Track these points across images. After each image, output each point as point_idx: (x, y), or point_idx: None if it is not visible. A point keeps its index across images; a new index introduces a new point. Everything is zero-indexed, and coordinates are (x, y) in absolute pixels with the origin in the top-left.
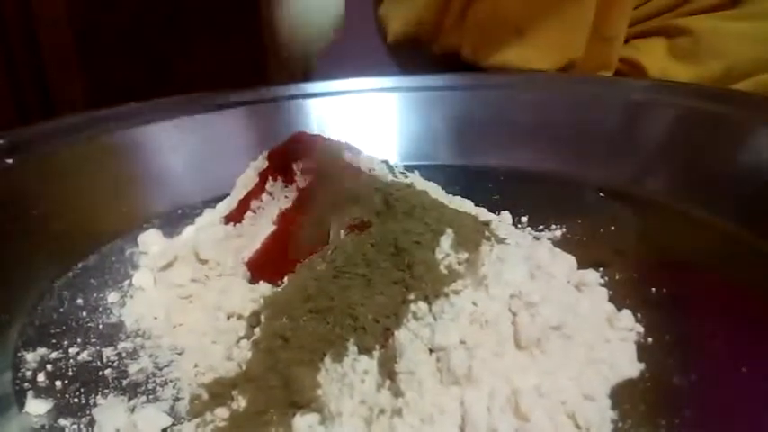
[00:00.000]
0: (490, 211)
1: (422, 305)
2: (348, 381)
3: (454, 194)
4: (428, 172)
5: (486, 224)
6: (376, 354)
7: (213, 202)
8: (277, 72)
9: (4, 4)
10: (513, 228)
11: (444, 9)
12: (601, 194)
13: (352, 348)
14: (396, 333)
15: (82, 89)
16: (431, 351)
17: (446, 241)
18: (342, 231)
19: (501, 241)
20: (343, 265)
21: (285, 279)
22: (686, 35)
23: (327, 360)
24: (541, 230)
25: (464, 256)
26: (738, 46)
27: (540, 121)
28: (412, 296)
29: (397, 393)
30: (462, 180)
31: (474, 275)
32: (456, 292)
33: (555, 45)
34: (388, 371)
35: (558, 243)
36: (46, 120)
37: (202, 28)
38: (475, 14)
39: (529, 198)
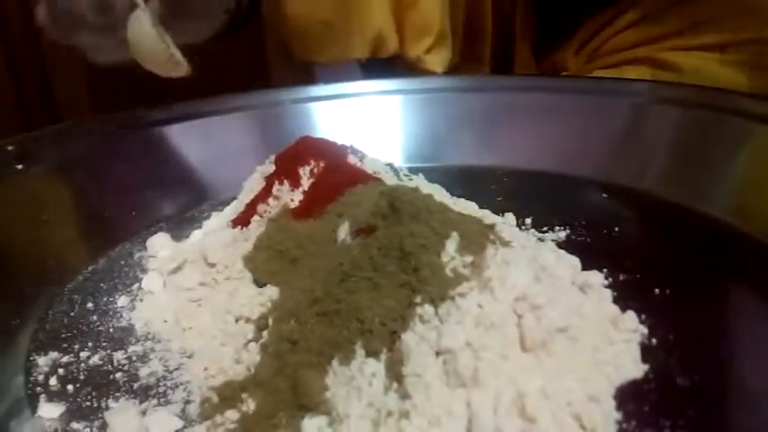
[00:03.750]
0: (494, 212)
1: (428, 308)
2: (356, 384)
3: (458, 196)
4: (432, 174)
5: (491, 227)
6: (383, 357)
7: (220, 205)
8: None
9: (5, 7)
10: (518, 229)
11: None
12: (604, 195)
13: (360, 351)
14: (402, 336)
15: (86, 92)
16: (437, 354)
17: (451, 245)
18: (348, 235)
19: (506, 244)
20: (350, 269)
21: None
22: (673, 71)
23: (335, 363)
24: (545, 232)
25: (469, 259)
26: None
27: (544, 122)
28: (418, 299)
29: (405, 396)
30: (466, 181)
31: (479, 278)
32: (462, 295)
33: (359, 26)
34: (395, 373)
35: (562, 244)
36: (52, 124)
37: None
38: (292, 19)
39: (533, 199)
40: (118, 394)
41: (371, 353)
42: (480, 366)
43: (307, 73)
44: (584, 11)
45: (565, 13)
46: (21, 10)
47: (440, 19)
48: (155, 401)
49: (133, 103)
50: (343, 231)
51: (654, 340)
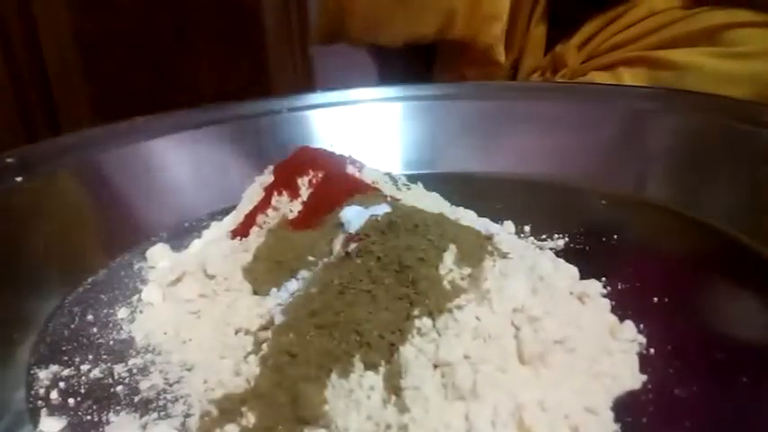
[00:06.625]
0: (493, 220)
1: (426, 321)
2: (355, 397)
3: (457, 204)
4: (431, 181)
5: (489, 238)
6: (381, 370)
7: (219, 214)
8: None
9: (7, 16)
10: (516, 237)
11: None
12: (603, 202)
13: (358, 364)
14: (401, 349)
15: (87, 99)
16: (435, 367)
17: (449, 257)
18: (341, 245)
19: (504, 256)
20: (349, 282)
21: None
22: (669, 69)
23: (334, 376)
24: (544, 240)
25: (467, 271)
26: (719, 85)
27: (543, 129)
28: (416, 312)
29: (403, 409)
30: (465, 189)
31: (477, 291)
32: (459, 308)
33: (432, 1)
34: (393, 387)
35: (560, 253)
36: (53, 136)
37: (206, 36)
38: None
39: (532, 206)
40: (118, 408)
41: (370, 366)
42: (478, 379)
43: (306, 75)
44: (593, 5)
45: (576, 6)
46: (22, 21)
47: (507, 8)
48: (155, 415)
49: (133, 110)
50: (339, 243)
51: (652, 350)
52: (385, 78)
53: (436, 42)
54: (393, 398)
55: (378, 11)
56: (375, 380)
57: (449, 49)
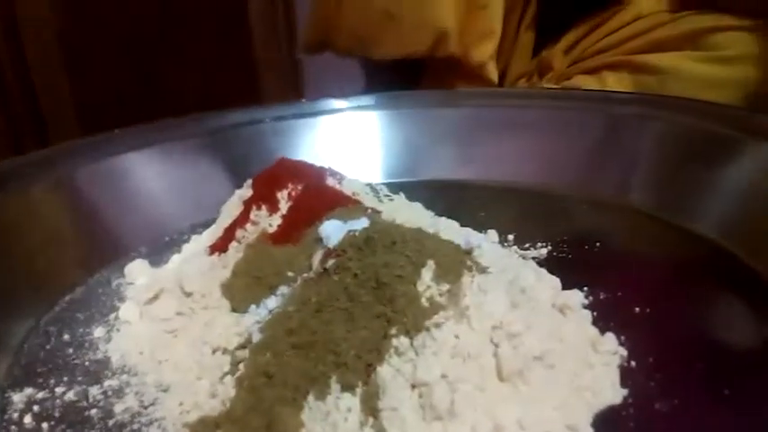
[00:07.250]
0: (476, 229)
1: (403, 340)
2: (331, 419)
3: (440, 213)
4: (413, 189)
5: (469, 252)
6: (359, 391)
7: (200, 228)
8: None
9: None
10: (500, 247)
11: (326, 7)
12: (587, 210)
13: (335, 386)
14: (378, 369)
15: (72, 101)
16: (413, 387)
17: (427, 273)
18: (319, 261)
19: (483, 270)
20: (326, 299)
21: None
22: (653, 73)
23: (311, 398)
24: (527, 249)
25: (446, 287)
26: (702, 89)
27: (527, 136)
28: (394, 330)
29: (380, 431)
30: (448, 197)
31: (456, 307)
32: (437, 326)
33: (423, 20)
34: (370, 408)
35: (543, 262)
36: (40, 142)
37: (193, 39)
38: (348, 7)
39: (515, 215)
40: None
41: (347, 387)
42: (456, 399)
43: (294, 78)
44: (579, 10)
45: (563, 10)
46: (3, 22)
47: (500, 25)
48: None
49: (119, 112)
50: (317, 258)
51: (633, 363)
52: (372, 88)
53: (426, 57)
54: (370, 419)
55: (366, 27)
56: (352, 401)
57: (438, 64)
